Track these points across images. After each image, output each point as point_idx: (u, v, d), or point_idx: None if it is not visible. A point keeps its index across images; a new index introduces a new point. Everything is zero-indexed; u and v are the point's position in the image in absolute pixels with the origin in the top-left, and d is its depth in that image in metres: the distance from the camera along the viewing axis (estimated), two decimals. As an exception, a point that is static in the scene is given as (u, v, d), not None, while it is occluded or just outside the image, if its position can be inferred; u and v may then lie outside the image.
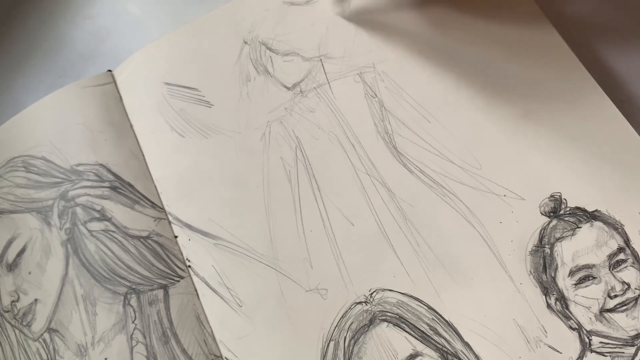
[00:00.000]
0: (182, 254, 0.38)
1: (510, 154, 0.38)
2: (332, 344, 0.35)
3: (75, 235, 0.39)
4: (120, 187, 0.40)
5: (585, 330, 0.34)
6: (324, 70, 0.42)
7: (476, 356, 0.34)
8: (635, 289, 0.34)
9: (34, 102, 0.42)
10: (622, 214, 0.35)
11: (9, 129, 0.42)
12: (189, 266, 0.38)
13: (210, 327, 0.36)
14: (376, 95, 0.41)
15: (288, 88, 0.42)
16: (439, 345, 0.34)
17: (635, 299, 0.34)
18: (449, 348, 0.34)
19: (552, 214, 0.36)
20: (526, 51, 0.40)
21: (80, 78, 0.43)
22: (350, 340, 0.35)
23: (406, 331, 0.35)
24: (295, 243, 0.37)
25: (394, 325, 0.35)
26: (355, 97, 0.41)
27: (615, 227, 0.35)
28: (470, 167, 0.38)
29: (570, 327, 0.34)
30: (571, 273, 0.35)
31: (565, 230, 0.36)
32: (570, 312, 0.34)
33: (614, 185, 0.36)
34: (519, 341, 0.34)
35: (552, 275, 0.35)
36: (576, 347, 0.33)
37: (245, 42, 0.43)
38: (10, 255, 0.39)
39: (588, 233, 0.35)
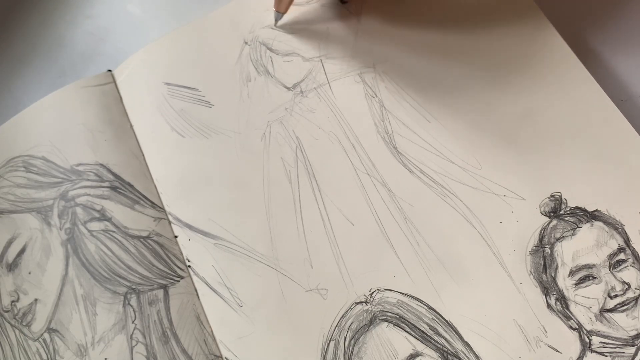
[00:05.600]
0: (182, 254, 0.38)
1: (510, 154, 0.38)
2: (332, 344, 0.35)
3: (75, 235, 0.39)
4: (120, 187, 0.40)
5: (586, 330, 0.34)
6: (324, 70, 0.42)
7: (476, 356, 0.34)
8: (636, 288, 0.34)
9: (34, 102, 0.42)
10: (622, 214, 0.35)
11: (9, 129, 0.42)
12: (189, 266, 0.38)
13: (210, 327, 0.36)
14: (376, 95, 0.41)
15: (288, 88, 0.42)
16: (439, 345, 0.34)
17: (636, 299, 0.34)
18: (449, 348, 0.34)
19: (552, 214, 0.36)
20: (526, 51, 0.40)
21: (80, 78, 0.43)
22: (350, 340, 0.35)
23: (406, 331, 0.35)
24: (296, 243, 0.37)
25: (394, 325, 0.35)
26: (355, 97, 0.41)
27: (616, 227, 0.35)
28: (470, 167, 0.38)
29: (571, 327, 0.34)
30: (571, 273, 0.35)
31: (565, 230, 0.36)
32: (571, 312, 0.34)
33: (614, 185, 0.36)
34: (519, 341, 0.34)
35: (552, 275, 0.35)
36: (576, 347, 0.33)
37: (246, 43, 0.43)
38: (10, 255, 0.39)
39: (588, 233, 0.35)
